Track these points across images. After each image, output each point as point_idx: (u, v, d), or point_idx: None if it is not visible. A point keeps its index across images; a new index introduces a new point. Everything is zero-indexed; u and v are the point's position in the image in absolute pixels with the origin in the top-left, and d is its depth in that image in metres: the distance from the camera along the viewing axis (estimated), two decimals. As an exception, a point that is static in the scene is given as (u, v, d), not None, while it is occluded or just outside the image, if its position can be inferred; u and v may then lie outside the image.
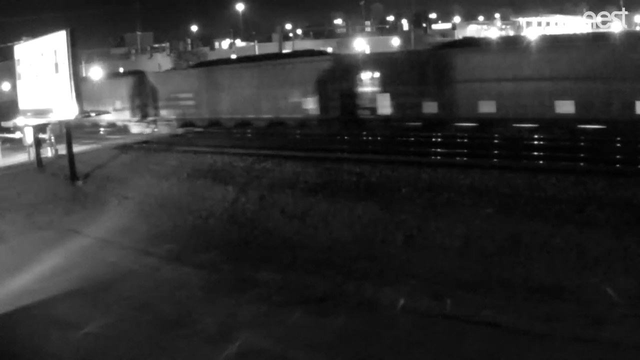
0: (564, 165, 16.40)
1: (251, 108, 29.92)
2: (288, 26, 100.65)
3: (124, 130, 34.82)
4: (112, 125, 35.91)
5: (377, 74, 26.22)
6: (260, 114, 29.52)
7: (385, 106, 25.39)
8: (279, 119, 28.72)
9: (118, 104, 35.67)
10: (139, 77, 36.93)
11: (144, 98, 35.18)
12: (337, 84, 26.73)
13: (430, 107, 23.97)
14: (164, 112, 34.11)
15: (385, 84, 25.45)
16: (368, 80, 27.98)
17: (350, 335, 9.80)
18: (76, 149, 23.24)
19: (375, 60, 27.98)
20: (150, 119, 34.59)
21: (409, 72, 24.68)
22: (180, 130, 31.61)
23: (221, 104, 31.35)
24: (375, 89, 26.06)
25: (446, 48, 29.14)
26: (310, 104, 27.46)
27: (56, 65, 21.54)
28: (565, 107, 21.16)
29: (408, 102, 24.59)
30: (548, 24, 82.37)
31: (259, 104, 29.59)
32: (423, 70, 24.36)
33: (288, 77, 28.54)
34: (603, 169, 15.56)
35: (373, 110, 25.87)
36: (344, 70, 27.10)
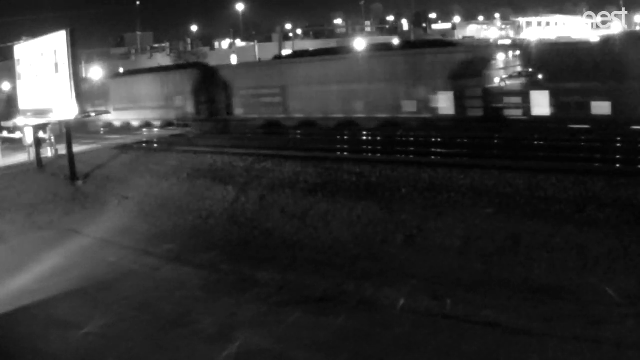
0: None
1: (357, 106, 25.76)
2: (288, 26, 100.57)
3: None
4: (169, 124, 32.10)
5: (531, 69, 23.32)
6: (371, 113, 25.23)
7: (542, 105, 21.67)
8: (396, 119, 24.54)
9: (178, 101, 31.56)
10: (205, 70, 32.83)
11: (212, 94, 30.89)
12: (476, 78, 23.20)
13: (600, 108, 20.23)
14: (239, 111, 29.90)
15: (543, 80, 22.42)
16: (518, 76, 24.73)
17: (350, 335, 9.80)
18: (76, 149, 23.23)
19: (528, 53, 24.82)
20: (220, 118, 30.44)
21: (574, 66, 21.46)
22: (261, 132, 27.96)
23: (317, 102, 26.85)
24: (529, 85, 23.14)
25: (628, 37, 25.97)
26: (442, 102, 23.46)
27: (56, 65, 21.54)
28: None
29: (573, 101, 20.98)
30: (548, 24, 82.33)
31: (368, 101, 25.39)
32: (593, 64, 21.00)
33: (412, 70, 24.49)
34: None
35: (526, 110, 22.34)
36: (485, 63, 23.81)
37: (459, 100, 23.20)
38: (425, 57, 25.01)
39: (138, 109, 33.53)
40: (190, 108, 31.11)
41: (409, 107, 24.36)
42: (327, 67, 27.58)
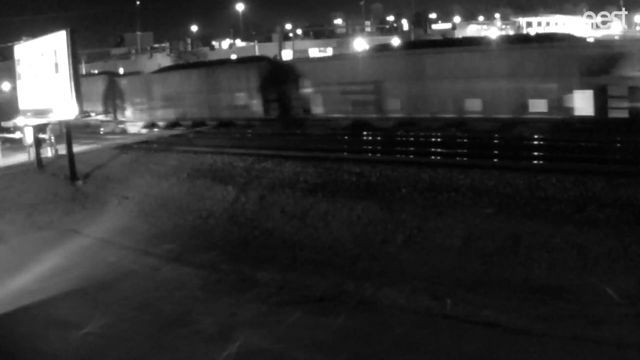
0: None
1: (472, 104, 22.80)
2: (288, 26, 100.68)
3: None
4: (225, 124, 28.83)
5: None
6: (490, 113, 22.28)
7: None
8: (521, 119, 21.56)
9: (240, 99, 28.76)
10: (274, 64, 30.32)
11: (285, 91, 27.78)
12: (617, 76, 20.37)
13: None
14: (318, 110, 26.73)
15: None
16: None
17: (350, 335, 9.79)
18: (76, 149, 23.24)
19: None
20: (295, 117, 27.40)
21: None
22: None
23: (420, 100, 23.66)
24: None
25: None
26: (579, 101, 20.60)
27: (56, 65, 21.55)
28: None
29: None
30: (548, 24, 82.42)
31: (486, 100, 22.59)
32: None
33: (542, 65, 21.52)
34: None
35: None
36: (625, 59, 20.60)
37: (599, 100, 20.39)
38: (558, 51, 22.02)
39: (188, 106, 30.93)
40: (256, 107, 28.06)
41: (537, 107, 21.42)
42: (435, 60, 24.17)
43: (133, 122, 34.29)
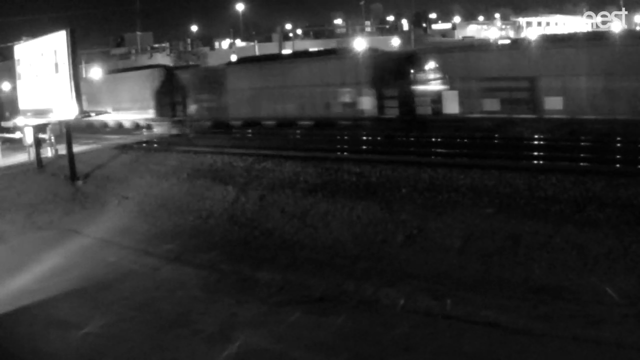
0: None
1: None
2: (288, 26, 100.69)
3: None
4: (324, 124, 25.47)
5: None
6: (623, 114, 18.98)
7: None
8: None
9: (345, 95, 25.50)
10: (388, 56, 27.43)
11: (405, 87, 24.51)
12: None
13: None
14: (452, 108, 22.93)
15: None
16: None
17: (350, 335, 9.80)
18: (76, 149, 23.24)
19: None
20: (421, 116, 23.79)
21: None
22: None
23: (588, 98, 20.23)
24: None
25: None
26: None
27: (56, 65, 21.55)
28: None
29: None
30: (548, 24, 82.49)
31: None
32: None
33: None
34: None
35: None
36: None
37: None
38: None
39: (272, 104, 27.49)
40: (367, 104, 24.62)
41: None
42: (605, 53, 20.67)
43: (198, 122, 30.40)
